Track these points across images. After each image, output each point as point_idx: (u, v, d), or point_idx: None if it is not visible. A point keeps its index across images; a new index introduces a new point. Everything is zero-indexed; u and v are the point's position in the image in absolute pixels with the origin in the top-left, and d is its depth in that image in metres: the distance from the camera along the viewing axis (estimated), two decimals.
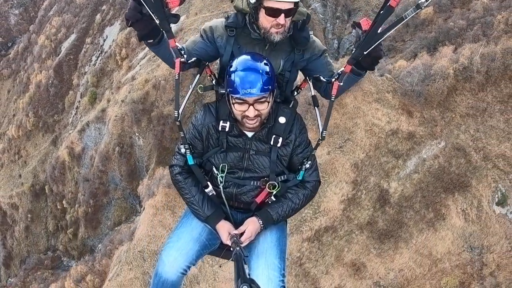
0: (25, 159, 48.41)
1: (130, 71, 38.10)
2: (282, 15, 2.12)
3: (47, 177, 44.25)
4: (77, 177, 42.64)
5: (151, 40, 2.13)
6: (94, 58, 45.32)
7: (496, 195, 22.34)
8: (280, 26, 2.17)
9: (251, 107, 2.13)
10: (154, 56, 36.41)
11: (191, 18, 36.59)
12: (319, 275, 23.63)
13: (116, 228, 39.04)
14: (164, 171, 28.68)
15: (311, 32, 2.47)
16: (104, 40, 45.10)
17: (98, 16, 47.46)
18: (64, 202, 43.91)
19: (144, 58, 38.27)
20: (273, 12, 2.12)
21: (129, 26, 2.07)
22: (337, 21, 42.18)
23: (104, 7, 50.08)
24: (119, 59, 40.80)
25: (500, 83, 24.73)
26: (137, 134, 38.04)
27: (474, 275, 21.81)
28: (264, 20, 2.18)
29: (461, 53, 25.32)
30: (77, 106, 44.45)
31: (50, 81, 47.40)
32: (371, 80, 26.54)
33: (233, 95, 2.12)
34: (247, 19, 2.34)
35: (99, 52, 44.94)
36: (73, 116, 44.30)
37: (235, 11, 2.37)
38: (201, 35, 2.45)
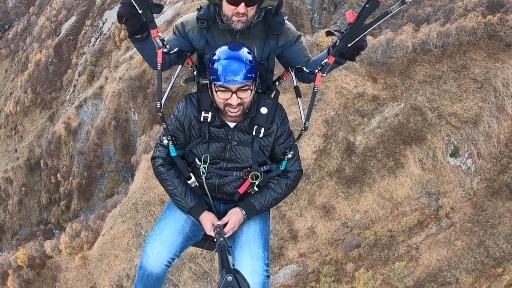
0: (21, 134, 49.92)
1: (129, 51, 41.32)
2: (242, 4, 2.15)
3: (43, 152, 46.18)
4: (72, 152, 44.82)
5: (139, 36, 2.18)
6: (93, 40, 48.32)
7: (449, 148, 25.61)
8: (241, 15, 2.20)
9: (234, 95, 2.13)
10: None
11: (188, 4, 40.36)
12: (294, 217, 26.37)
13: (108, 200, 41.14)
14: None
15: (285, 18, 2.48)
16: (104, 23, 48.33)
17: (98, 0, 50.87)
18: (58, 175, 45.76)
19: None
20: (233, 1, 2.15)
21: (123, 23, 2.08)
22: (324, 12, 46.26)
23: None
24: (118, 40, 44.06)
25: (455, 56, 28.58)
26: (132, 109, 40.90)
27: (431, 217, 24.73)
28: (226, 8, 2.21)
29: (420, 31, 29.32)
30: (75, 84, 46.91)
31: (50, 60, 49.59)
32: None
33: (216, 82, 2.12)
34: (217, 10, 2.35)
35: (98, 34, 48.04)
36: (71, 94, 46.73)
37: (207, 3, 2.41)
38: (174, 32, 2.50)
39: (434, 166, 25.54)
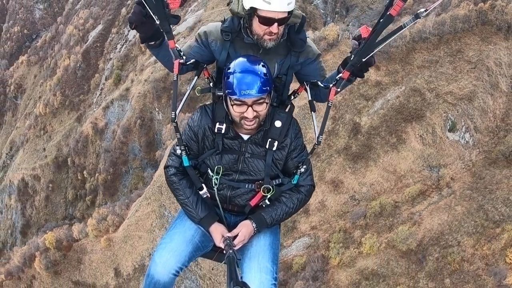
0: (50, 134, 53.72)
1: (153, 56, 44.91)
2: (275, 24, 2.14)
3: (70, 150, 49.60)
4: (99, 150, 48.02)
5: (153, 42, 2.18)
6: (119, 46, 52.38)
7: (447, 123, 27.51)
8: (273, 34, 2.20)
9: (249, 108, 2.13)
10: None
11: (208, 11, 43.88)
12: None
13: (134, 191, 43.59)
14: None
15: (308, 36, 2.50)
16: (129, 31, 52.39)
17: (123, 10, 55.10)
18: (84, 172, 48.96)
19: (186, 21, 44.93)
20: (267, 21, 2.14)
21: (132, 29, 2.10)
22: (336, 16, 49.18)
23: (129, 1, 57.84)
24: (143, 46, 47.66)
25: (451, 43, 30.81)
26: (157, 109, 43.99)
27: (432, 187, 26.44)
28: (258, 28, 2.21)
29: (417, 21, 31.79)
30: (101, 87, 50.80)
31: (78, 65, 53.96)
32: (347, 44, 32.89)
33: (231, 96, 2.12)
34: (242, 23, 2.36)
35: (124, 41, 52.10)
36: (98, 96, 50.55)
37: (231, 15, 2.40)
38: (196, 40, 2.49)
39: (434, 141, 27.41)
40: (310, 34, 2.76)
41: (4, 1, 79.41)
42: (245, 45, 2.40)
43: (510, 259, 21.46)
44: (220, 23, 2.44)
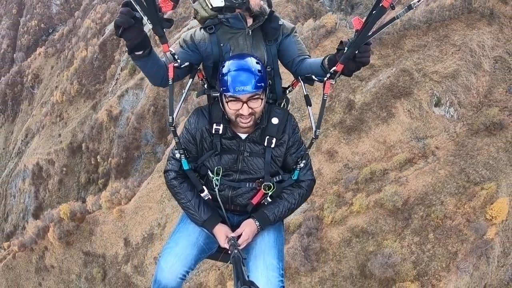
0: (65, 121, 56.48)
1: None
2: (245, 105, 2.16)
3: (85, 136, 52.43)
4: (113, 136, 50.78)
5: (141, 52, 2.07)
6: None
7: (433, 99, 29.97)
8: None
9: (244, 105, 2.13)
10: None
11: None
12: None
13: (146, 172, 45.89)
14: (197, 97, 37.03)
15: (280, 21, 2.49)
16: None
17: None
18: (98, 157, 51.62)
19: (179, 38, 48.56)
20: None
21: (119, 35, 1.94)
22: (342, 12, 52.10)
23: None
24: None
25: (439, 29, 33.53)
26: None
27: (419, 155, 28.72)
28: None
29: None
30: (117, 77, 53.86)
31: (95, 56, 56.96)
32: (344, 31, 35.80)
33: (226, 93, 2.12)
34: (220, 17, 2.37)
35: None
36: (113, 86, 53.55)
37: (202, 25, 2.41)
38: (181, 46, 2.47)
39: (421, 115, 29.84)
40: (297, 33, 2.74)
41: None
42: (232, 35, 2.43)
43: (489, 216, 23.46)
44: (198, 28, 2.52)
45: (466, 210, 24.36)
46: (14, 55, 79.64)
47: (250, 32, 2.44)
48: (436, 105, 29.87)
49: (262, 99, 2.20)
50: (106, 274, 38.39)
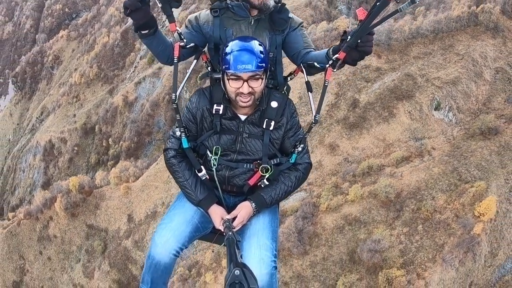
0: (82, 102, 58.32)
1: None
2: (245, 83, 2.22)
3: (99, 119, 54.35)
4: (126, 121, 52.54)
5: (147, 31, 2.20)
6: None
7: (433, 103, 31.46)
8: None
9: (245, 83, 2.18)
10: None
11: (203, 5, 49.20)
12: None
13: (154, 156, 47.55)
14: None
15: (290, 14, 2.57)
16: (166, 18, 57.70)
17: None
18: (110, 140, 53.38)
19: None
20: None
21: (127, 15, 2.10)
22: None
23: None
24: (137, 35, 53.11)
25: (445, 39, 35.18)
26: (185, 88, 48.73)
27: (415, 154, 30.10)
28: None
29: (417, 19, 36.46)
30: (135, 65, 56.01)
31: (116, 43, 59.10)
32: None
33: (228, 71, 2.19)
34: (227, 2, 2.46)
35: (161, 26, 57.46)
36: (132, 73, 55.60)
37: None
38: (186, 26, 2.55)
39: (420, 117, 31.32)
40: (304, 29, 2.78)
41: None
42: (235, 22, 2.53)
43: (477, 212, 24.63)
44: (205, 10, 2.62)
45: (456, 206, 25.60)
46: (37, 36, 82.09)
47: (253, 21, 2.52)
48: (436, 108, 31.33)
49: (262, 79, 2.26)
50: (107, 247, 39.89)
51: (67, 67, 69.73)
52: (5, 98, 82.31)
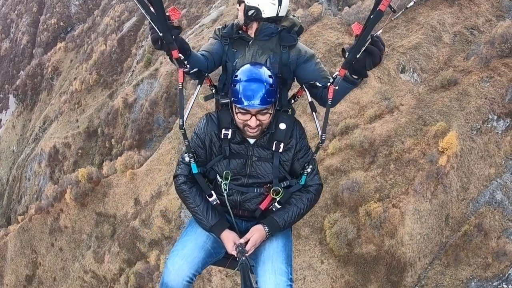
0: (83, 108, 60.67)
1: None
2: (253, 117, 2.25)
3: (101, 121, 57.33)
4: (127, 121, 55.90)
5: (182, 57, 2.30)
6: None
7: (399, 67, 35.12)
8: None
9: (253, 117, 2.21)
10: (200, 32, 52.26)
11: (229, 7, 54.09)
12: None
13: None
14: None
15: (299, 39, 2.61)
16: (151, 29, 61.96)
17: None
18: (112, 141, 56.56)
19: (191, 34, 55.22)
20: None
21: (159, 49, 2.22)
22: (339, 13, 57.74)
23: None
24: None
25: (408, 13, 39.22)
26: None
27: (386, 111, 33.46)
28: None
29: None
30: (133, 69, 59.90)
31: (113, 50, 62.07)
32: (328, 18, 41.94)
33: (236, 105, 2.21)
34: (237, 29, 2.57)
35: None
36: (129, 76, 59.46)
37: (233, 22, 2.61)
38: (216, 35, 2.67)
39: (389, 80, 34.88)
40: (318, 59, 2.72)
41: None
42: (236, 41, 2.62)
43: (441, 148, 27.72)
44: (221, 27, 2.69)
45: (422, 146, 28.71)
46: (34, 50, 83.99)
47: (253, 42, 2.60)
48: (402, 71, 34.95)
49: (270, 114, 2.32)
50: (116, 231, 42.52)
51: (67, 77, 72.33)
52: (6, 113, 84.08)
